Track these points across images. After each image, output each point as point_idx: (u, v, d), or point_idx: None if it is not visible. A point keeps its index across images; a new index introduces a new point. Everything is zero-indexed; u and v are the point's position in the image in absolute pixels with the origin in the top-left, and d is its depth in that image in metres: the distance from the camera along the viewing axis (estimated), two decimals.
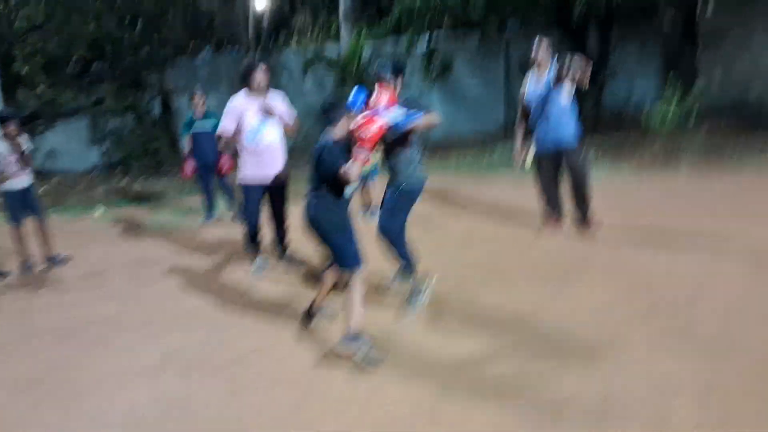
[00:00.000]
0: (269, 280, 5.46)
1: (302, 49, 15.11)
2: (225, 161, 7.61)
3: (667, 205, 6.90)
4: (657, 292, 4.45)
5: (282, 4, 15.83)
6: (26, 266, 6.33)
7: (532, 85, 5.90)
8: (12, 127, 5.99)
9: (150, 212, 9.22)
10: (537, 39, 5.81)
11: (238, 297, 5.11)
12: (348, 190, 3.90)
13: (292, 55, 14.90)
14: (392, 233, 4.54)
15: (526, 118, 6.06)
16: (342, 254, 3.87)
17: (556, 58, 5.74)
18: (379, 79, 4.46)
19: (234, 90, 5.73)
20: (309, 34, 17.25)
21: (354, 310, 3.76)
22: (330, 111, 3.88)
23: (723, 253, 5.09)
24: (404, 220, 4.59)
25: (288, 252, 5.82)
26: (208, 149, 7.74)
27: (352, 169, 3.70)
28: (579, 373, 3.43)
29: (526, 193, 8.10)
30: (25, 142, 6.16)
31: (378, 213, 4.70)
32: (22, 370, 4.07)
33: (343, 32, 14.64)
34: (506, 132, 14.89)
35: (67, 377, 3.92)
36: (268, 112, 5.37)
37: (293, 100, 6.40)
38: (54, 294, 5.64)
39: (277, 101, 5.56)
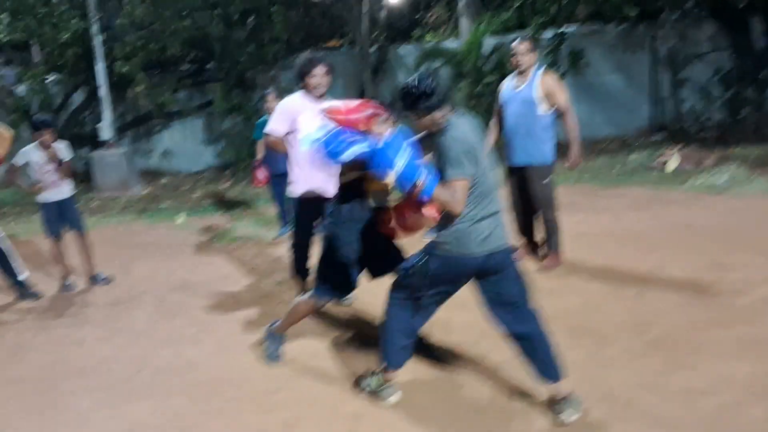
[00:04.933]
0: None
1: (421, 45, 14.05)
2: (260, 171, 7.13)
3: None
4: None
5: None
6: (65, 285, 5.84)
7: (509, 91, 5.33)
8: (47, 135, 5.48)
9: (230, 221, 8.60)
10: (518, 40, 5.21)
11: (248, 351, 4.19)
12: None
13: (409, 52, 13.88)
14: (388, 316, 3.25)
15: (499, 126, 5.50)
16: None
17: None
18: None
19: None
20: (431, 28, 16.21)
21: None
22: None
23: None
24: (410, 308, 3.17)
25: None
26: (281, 156, 6.99)
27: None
28: None
29: (641, 216, 6.68)
30: (63, 150, 5.65)
31: None
32: None
33: (463, 25, 13.40)
34: (650, 134, 13.09)
35: None
36: None
37: None
38: (62, 327, 4.98)
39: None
